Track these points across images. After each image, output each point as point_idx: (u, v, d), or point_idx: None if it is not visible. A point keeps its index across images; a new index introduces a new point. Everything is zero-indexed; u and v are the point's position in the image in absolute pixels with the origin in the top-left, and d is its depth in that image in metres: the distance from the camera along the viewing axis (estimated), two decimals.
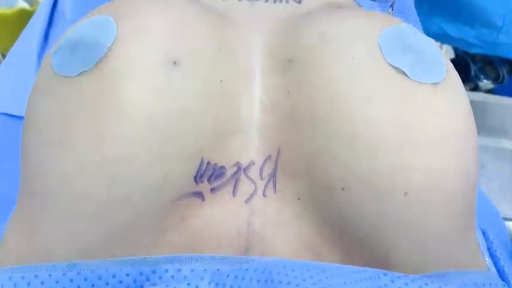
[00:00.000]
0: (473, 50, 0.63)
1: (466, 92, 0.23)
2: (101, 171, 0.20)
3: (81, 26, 0.22)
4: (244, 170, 0.23)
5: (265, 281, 0.17)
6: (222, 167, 0.23)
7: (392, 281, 0.18)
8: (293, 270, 0.18)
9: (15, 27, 0.60)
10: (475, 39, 0.61)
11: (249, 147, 0.23)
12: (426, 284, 0.18)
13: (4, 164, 0.37)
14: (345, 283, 0.18)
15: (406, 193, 0.20)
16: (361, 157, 0.21)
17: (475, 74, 1.08)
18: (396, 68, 0.22)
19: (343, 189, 0.21)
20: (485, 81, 1.08)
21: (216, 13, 0.26)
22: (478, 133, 0.22)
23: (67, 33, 0.23)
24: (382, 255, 0.21)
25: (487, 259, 0.24)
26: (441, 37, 0.64)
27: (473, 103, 0.23)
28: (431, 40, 0.24)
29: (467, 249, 0.23)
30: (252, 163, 0.23)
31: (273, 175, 0.23)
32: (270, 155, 0.23)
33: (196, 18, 0.24)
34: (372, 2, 0.35)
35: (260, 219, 0.22)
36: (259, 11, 0.28)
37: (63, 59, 0.21)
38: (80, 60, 0.21)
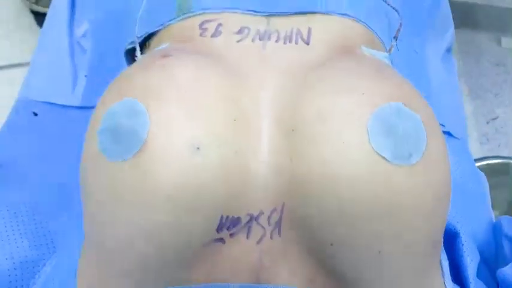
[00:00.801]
0: None
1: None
2: (145, 239, 0.26)
3: (117, 112, 0.27)
4: (256, 218, 0.29)
5: None
6: (238, 218, 0.28)
7: None
8: None
9: None
10: None
11: (259, 201, 0.28)
12: None
13: (56, 154, 0.43)
14: None
15: (379, 252, 0.26)
16: (344, 225, 0.26)
17: None
18: (379, 154, 0.25)
19: (331, 244, 0.27)
20: None
21: (231, 74, 0.29)
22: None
23: (103, 111, 0.27)
24: None
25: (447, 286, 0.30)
26: None
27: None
28: (417, 117, 0.26)
29: (430, 281, 0.29)
30: (262, 213, 0.28)
31: (279, 222, 0.29)
32: (276, 208, 0.28)
33: (215, 94, 0.28)
34: (383, 27, 0.35)
35: (268, 256, 0.29)
36: (270, 56, 0.31)
37: (108, 145, 0.27)
38: (122, 150, 0.26)
